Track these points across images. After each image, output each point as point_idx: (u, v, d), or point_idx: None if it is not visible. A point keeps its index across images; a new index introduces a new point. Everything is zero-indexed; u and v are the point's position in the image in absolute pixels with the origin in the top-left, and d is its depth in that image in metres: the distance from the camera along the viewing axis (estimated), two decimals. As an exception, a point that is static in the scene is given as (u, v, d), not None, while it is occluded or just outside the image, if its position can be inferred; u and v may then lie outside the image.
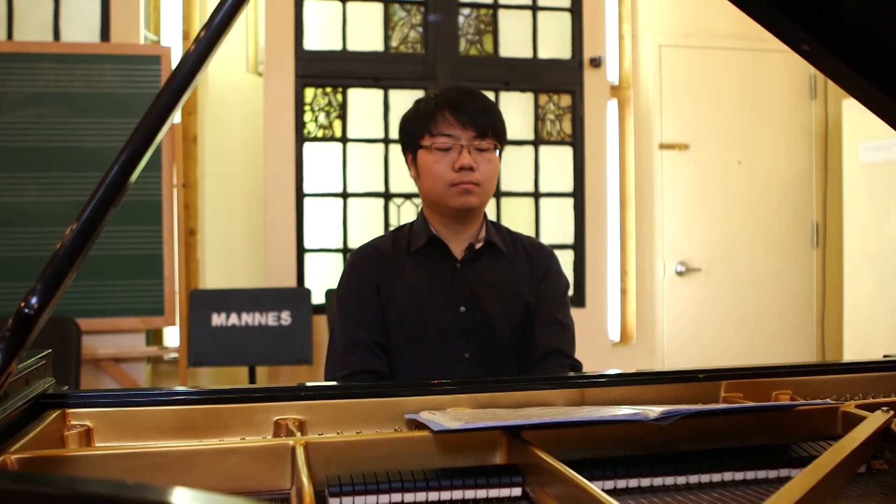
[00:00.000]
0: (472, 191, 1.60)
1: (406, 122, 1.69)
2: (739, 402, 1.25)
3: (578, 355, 1.71)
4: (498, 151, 1.65)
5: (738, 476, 1.05)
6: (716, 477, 1.04)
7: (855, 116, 4.15)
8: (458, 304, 1.65)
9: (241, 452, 0.98)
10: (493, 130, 1.62)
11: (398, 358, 1.62)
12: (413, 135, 1.66)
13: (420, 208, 1.74)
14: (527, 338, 1.67)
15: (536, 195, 3.99)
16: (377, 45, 3.83)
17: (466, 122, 1.60)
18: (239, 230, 3.99)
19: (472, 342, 1.64)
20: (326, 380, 1.70)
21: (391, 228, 3.78)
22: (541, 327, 1.67)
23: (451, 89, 1.67)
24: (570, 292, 3.77)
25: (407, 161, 1.71)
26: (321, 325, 3.63)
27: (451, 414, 1.11)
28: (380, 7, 3.84)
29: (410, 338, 1.62)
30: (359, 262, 1.68)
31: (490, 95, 3.88)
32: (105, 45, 3.51)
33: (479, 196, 1.62)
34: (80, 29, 3.57)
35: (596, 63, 3.98)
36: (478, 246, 1.68)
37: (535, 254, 1.73)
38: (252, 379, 3.40)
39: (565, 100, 4.01)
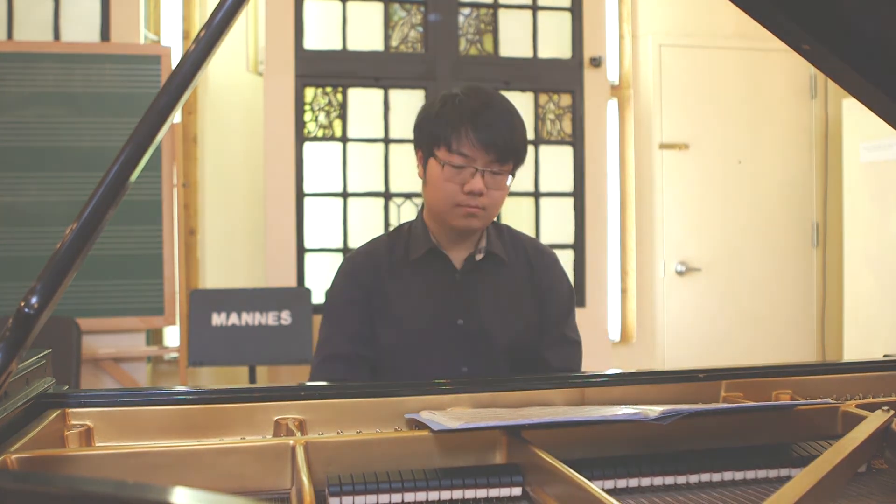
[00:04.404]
0: (477, 214, 1.53)
1: (425, 121, 1.57)
2: (739, 402, 1.25)
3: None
4: (511, 177, 1.55)
5: (738, 476, 1.05)
6: (716, 477, 1.04)
7: (855, 116, 4.15)
8: (457, 316, 1.59)
9: (241, 452, 0.98)
10: (514, 156, 1.52)
11: (392, 371, 1.57)
12: (429, 139, 1.54)
13: (420, 210, 1.67)
14: (531, 353, 1.63)
15: (536, 195, 3.99)
16: (377, 45, 3.83)
17: (489, 146, 1.48)
18: (239, 230, 3.99)
19: (471, 356, 1.58)
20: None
21: (391, 229, 3.81)
22: (550, 346, 1.63)
23: (482, 102, 1.52)
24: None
25: (417, 157, 1.61)
26: (321, 324, 3.62)
27: (451, 414, 1.11)
28: (380, 7, 3.84)
29: (405, 351, 1.56)
30: (351, 270, 1.61)
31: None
32: (105, 44, 3.51)
33: (482, 220, 1.55)
34: (80, 29, 3.57)
35: (596, 63, 3.98)
36: (478, 257, 1.62)
37: (536, 261, 1.67)
38: (252, 379, 3.40)
39: (565, 99, 4.01)
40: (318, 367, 1.58)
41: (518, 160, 1.54)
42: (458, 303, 1.60)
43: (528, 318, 1.63)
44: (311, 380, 1.63)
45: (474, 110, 1.50)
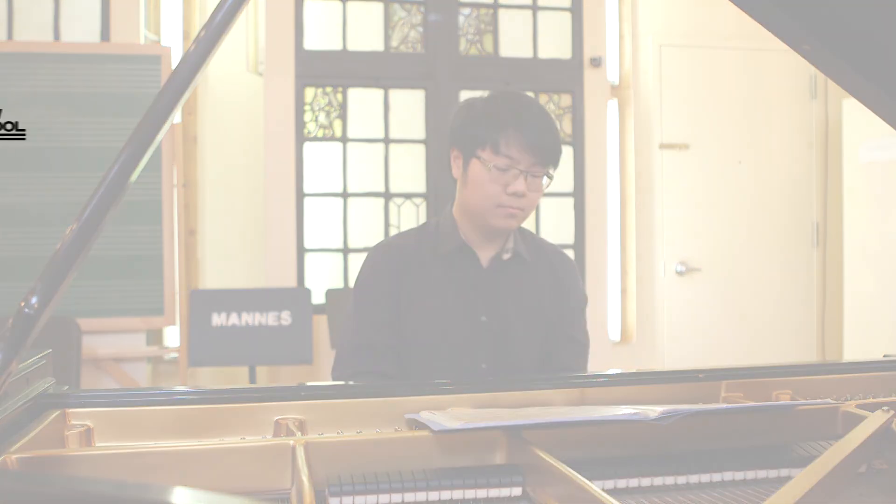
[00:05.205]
0: (516, 215, 1.57)
1: (468, 123, 1.60)
2: (739, 402, 1.25)
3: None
4: (548, 179, 1.60)
5: (738, 476, 1.05)
6: (716, 477, 1.04)
7: (855, 116, 4.15)
8: (480, 313, 1.62)
9: (241, 452, 0.98)
10: (554, 159, 1.58)
11: (413, 363, 1.59)
12: (472, 140, 1.57)
13: (450, 208, 1.68)
14: (544, 351, 1.66)
15: (536, 195, 3.98)
16: (377, 45, 3.83)
17: (535, 148, 1.54)
18: (239, 230, 3.99)
19: (491, 353, 1.61)
20: (334, 379, 1.65)
21: (392, 228, 3.82)
22: (556, 343, 1.66)
23: (524, 105, 1.59)
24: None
25: (451, 157, 1.63)
26: (321, 325, 3.63)
27: (451, 414, 1.11)
28: (380, 7, 3.84)
29: (428, 344, 1.59)
30: (380, 259, 1.64)
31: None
32: (105, 44, 3.51)
33: (520, 220, 1.60)
34: (80, 29, 3.56)
35: (596, 63, 3.98)
36: (505, 257, 1.65)
37: (557, 265, 1.71)
38: (252, 379, 3.40)
39: (565, 100, 4.01)
40: (348, 357, 1.60)
41: (556, 163, 1.59)
42: (482, 300, 1.63)
43: (548, 318, 1.66)
44: (337, 368, 1.63)
45: (518, 113, 1.56)
